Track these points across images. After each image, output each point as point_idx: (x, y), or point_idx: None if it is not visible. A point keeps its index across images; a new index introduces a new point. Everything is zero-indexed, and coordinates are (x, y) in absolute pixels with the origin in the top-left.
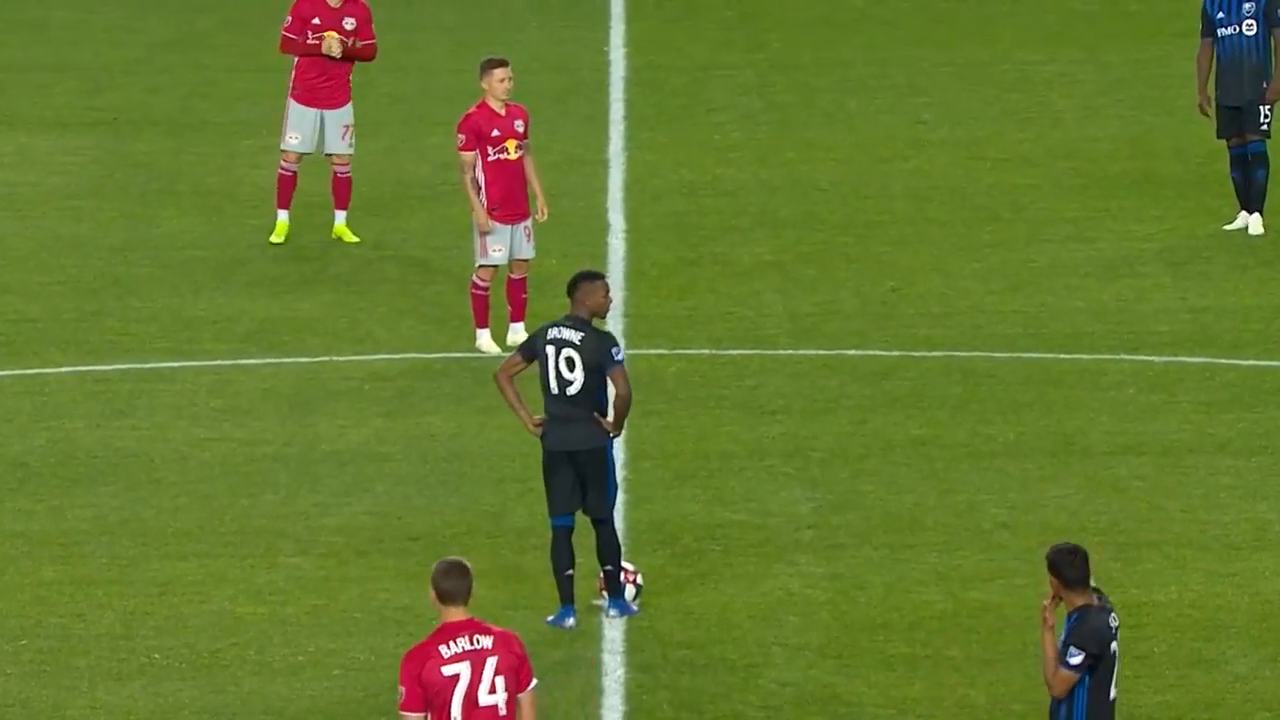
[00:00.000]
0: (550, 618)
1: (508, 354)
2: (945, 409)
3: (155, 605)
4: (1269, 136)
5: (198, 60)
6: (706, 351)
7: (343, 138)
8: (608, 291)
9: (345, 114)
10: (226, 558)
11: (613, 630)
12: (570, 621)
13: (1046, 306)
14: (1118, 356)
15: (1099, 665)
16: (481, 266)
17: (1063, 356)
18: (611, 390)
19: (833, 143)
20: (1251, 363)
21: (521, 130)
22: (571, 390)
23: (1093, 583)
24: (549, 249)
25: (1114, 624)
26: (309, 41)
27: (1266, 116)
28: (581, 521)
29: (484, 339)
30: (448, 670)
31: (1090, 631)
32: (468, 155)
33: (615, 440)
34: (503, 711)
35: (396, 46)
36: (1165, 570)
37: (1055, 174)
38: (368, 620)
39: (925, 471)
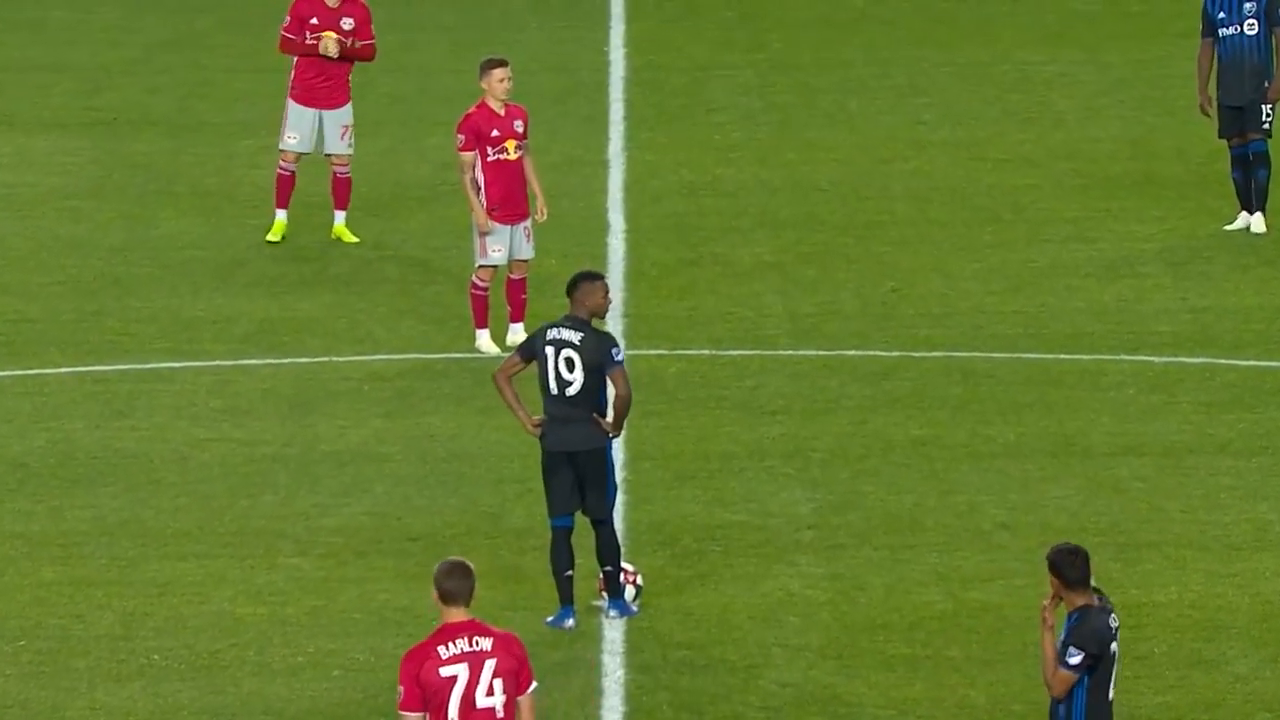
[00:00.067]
0: (550, 619)
1: (507, 354)
2: (945, 409)
3: (155, 606)
4: (1270, 136)
5: (196, 60)
6: (706, 352)
7: (342, 138)
8: (607, 292)
9: (344, 114)
10: (226, 558)
11: (612, 631)
12: (570, 622)
13: (1047, 307)
14: (1118, 357)
15: (1098, 665)
16: (481, 267)
17: (1063, 357)
18: (611, 391)
19: (833, 143)
20: (1252, 363)
21: (521, 130)
22: (571, 391)
23: (1093, 583)
24: (549, 249)
25: (1114, 624)
26: (307, 42)
27: (1268, 116)
28: (581, 522)
29: (483, 339)
30: (445, 671)
31: (1090, 632)
32: (467, 155)
33: (615, 441)
34: (500, 714)
35: (396, 46)
36: (1165, 571)
37: (1056, 174)
38: (367, 621)
39: (925, 472)
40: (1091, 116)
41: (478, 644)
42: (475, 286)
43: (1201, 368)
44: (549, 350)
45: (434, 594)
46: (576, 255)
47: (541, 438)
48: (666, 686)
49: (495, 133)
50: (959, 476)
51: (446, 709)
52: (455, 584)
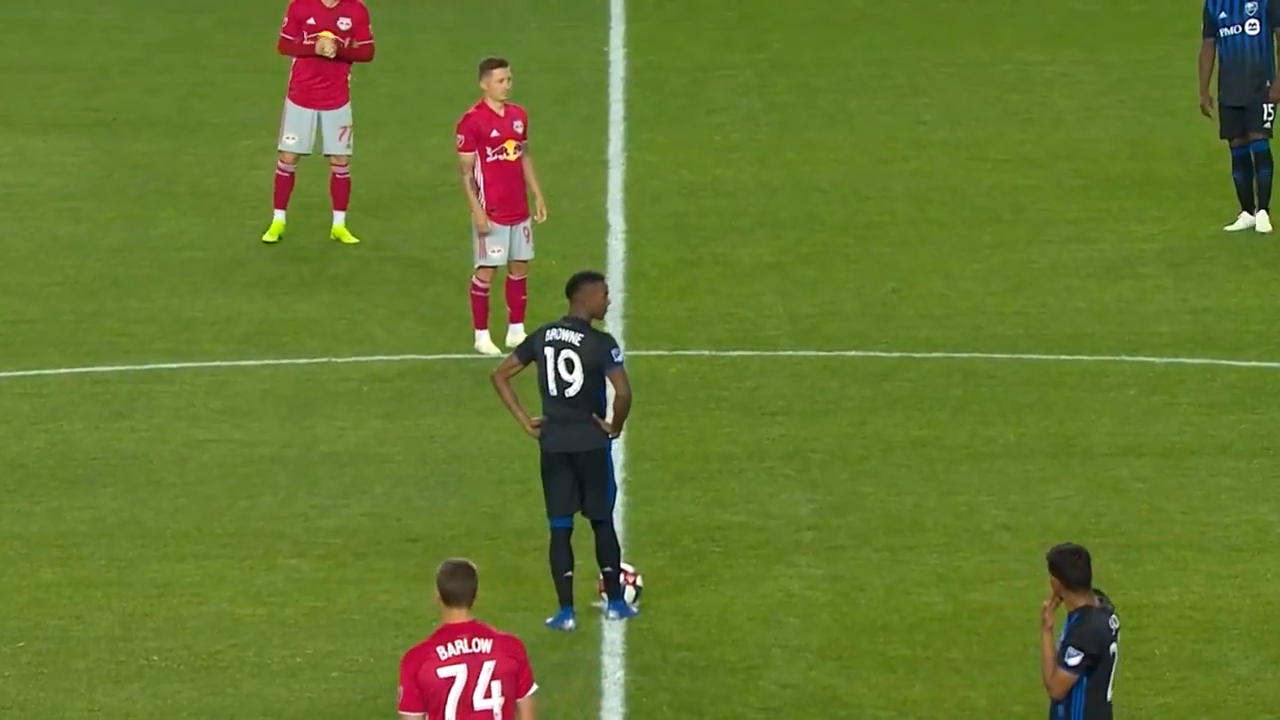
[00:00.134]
0: (549, 620)
1: (506, 355)
2: (946, 410)
3: (154, 607)
4: (1271, 135)
5: (196, 61)
6: (706, 353)
7: (340, 139)
8: (607, 293)
9: (342, 115)
10: (225, 559)
11: (612, 632)
12: (569, 623)
13: (1047, 308)
14: (1119, 358)
15: (1097, 666)
16: (481, 267)
17: (1064, 358)
18: (610, 391)
19: (833, 143)
20: (1253, 364)
21: (520, 131)
22: (570, 392)
23: (1093, 584)
24: (548, 250)
25: (1114, 626)
26: (305, 42)
27: (1269, 115)
28: (581, 523)
29: (483, 340)
30: (444, 672)
31: (1090, 632)
32: (467, 156)
33: (614, 441)
34: (498, 716)
35: (395, 47)
36: (1166, 572)
37: (1056, 175)
38: (366, 622)
39: (926, 473)
40: (1092, 117)
41: (477, 645)
42: (475, 287)
43: (1202, 369)
44: (548, 351)
45: (435, 594)
46: (576, 256)
47: (541, 439)
48: (666, 688)
49: (495, 133)
50: (959, 477)
51: (444, 710)
52: (457, 585)
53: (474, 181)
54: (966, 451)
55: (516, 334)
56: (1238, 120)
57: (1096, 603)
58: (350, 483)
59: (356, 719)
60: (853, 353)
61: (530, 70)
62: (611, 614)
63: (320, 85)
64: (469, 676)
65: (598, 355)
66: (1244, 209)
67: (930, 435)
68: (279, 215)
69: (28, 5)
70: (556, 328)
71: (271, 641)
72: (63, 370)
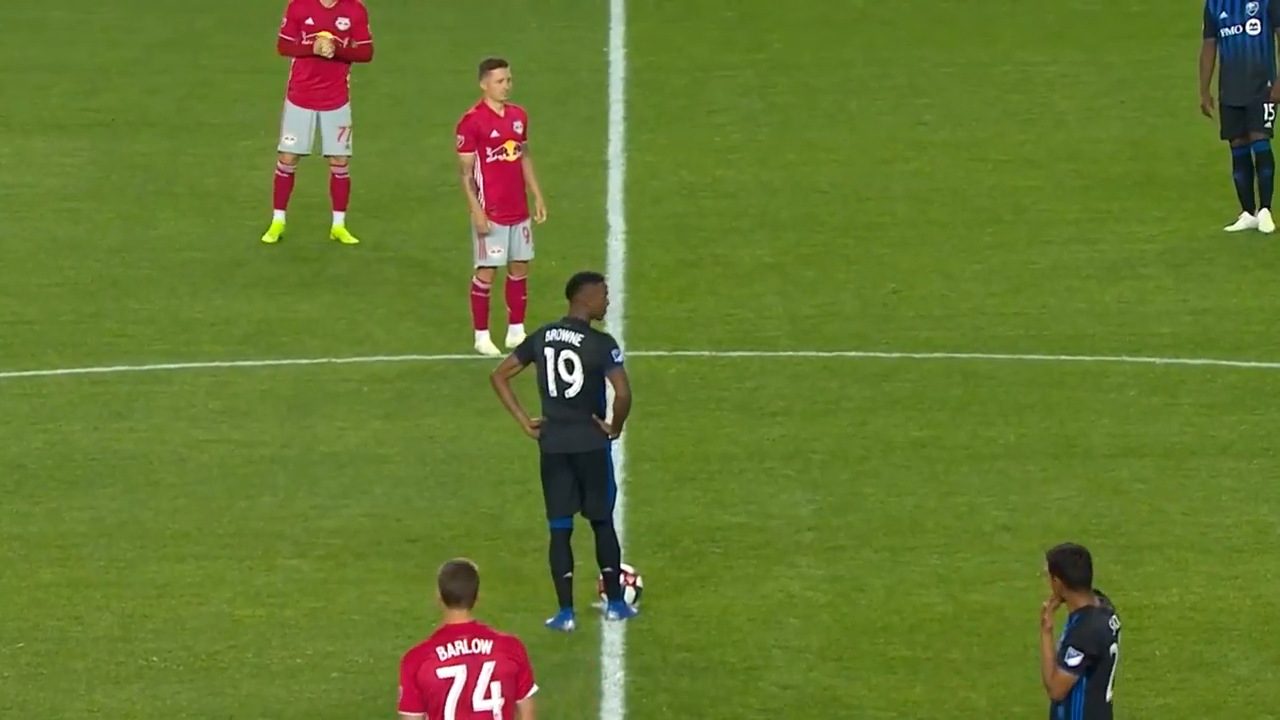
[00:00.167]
0: (549, 620)
1: (506, 356)
2: (946, 411)
3: (153, 607)
4: (1272, 135)
5: (195, 61)
6: (706, 353)
7: (339, 139)
8: (607, 293)
9: (341, 115)
10: (225, 560)
11: (612, 633)
12: (569, 624)
13: (1048, 308)
14: (1119, 358)
15: (1097, 667)
16: (481, 268)
17: (1064, 358)
18: (610, 392)
19: (833, 144)
20: (1253, 364)
21: (520, 131)
22: (570, 392)
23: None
24: (548, 250)
25: (1115, 626)
26: (303, 42)
27: (1270, 115)
28: (581, 523)
29: (483, 341)
30: (443, 672)
31: (1090, 633)
32: (467, 156)
33: (614, 442)
34: (498, 717)
35: (395, 47)
36: (1166, 573)
37: (1057, 175)
38: (366, 623)
39: (926, 474)
40: (1092, 117)
41: (477, 646)
42: (476, 288)
43: (1203, 369)
44: (548, 352)
45: (437, 595)
46: (576, 256)
47: (540, 439)
48: (666, 688)
49: (495, 133)
50: (960, 478)
51: (443, 710)
52: (458, 586)
53: (474, 182)
54: (967, 452)
55: (516, 334)
56: (1239, 120)
57: (1097, 603)
58: (350, 483)
59: None
60: (853, 353)
61: (530, 70)
62: (611, 615)
63: (319, 86)
64: (468, 677)
65: (598, 356)
66: (1245, 209)
67: (930, 436)
68: (279, 216)
69: (27, 5)
70: (556, 328)
71: (271, 642)
72: (62, 371)
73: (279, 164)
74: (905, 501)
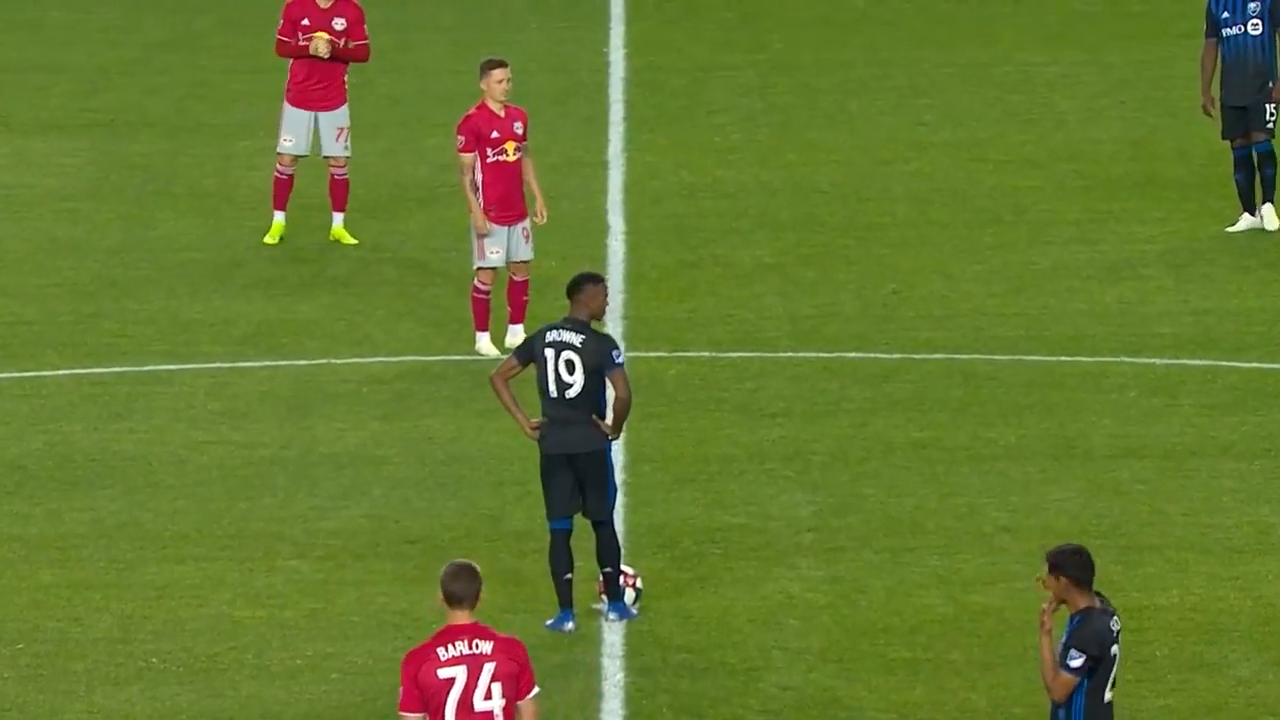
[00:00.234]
0: (549, 622)
1: (506, 357)
2: (946, 412)
3: (153, 609)
4: (1274, 135)
5: (194, 61)
6: (706, 354)
7: (338, 140)
8: (607, 294)
9: (339, 116)
10: (224, 561)
11: (612, 634)
12: (569, 625)
13: (1048, 309)
14: (1120, 359)
15: (1098, 668)
16: (481, 269)
17: (1065, 359)
18: (610, 393)
19: (834, 144)
20: (1254, 365)
21: (521, 132)
22: (571, 393)
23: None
24: (548, 251)
25: (1115, 628)
26: (300, 43)
27: (1272, 116)
28: (580, 524)
29: (483, 342)
30: (443, 673)
31: (1091, 634)
32: (467, 157)
33: (614, 443)
34: (499, 718)
35: (394, 47)
36: (1167, 574)
37: (1057, 176)
38: (366, 624)
39: (926, 474)
40: (1093, 118)
41: (477, 647)
42: (477, 290)
43: (1203, 370)
44: (549, 352)
45: (439, 595)
46: (576, 257)
47: (540, 440)
48: (666, 690)
49: (495, 134)
50: (960, 479)
51: (444, 711)
52: (460, 587)
53: (474, 183)
54: (967, 453)
55: (516, 335)
56: (1240, 120)
57: (1098, 604)
58: (349, 484)
59: None
60: (853, 354)
61: (530, 71)
62: (611, 616)
63: (317, 87)
64: (469, 678)
65: (599, 356)
66: (1245, 210)
67: (931, 437)
68: (279, 217)
69: (26, 5)
70: (557, 329)
71: (271, 643)
72: (61, 372)
73: (278, 165)
74: (905, 502)
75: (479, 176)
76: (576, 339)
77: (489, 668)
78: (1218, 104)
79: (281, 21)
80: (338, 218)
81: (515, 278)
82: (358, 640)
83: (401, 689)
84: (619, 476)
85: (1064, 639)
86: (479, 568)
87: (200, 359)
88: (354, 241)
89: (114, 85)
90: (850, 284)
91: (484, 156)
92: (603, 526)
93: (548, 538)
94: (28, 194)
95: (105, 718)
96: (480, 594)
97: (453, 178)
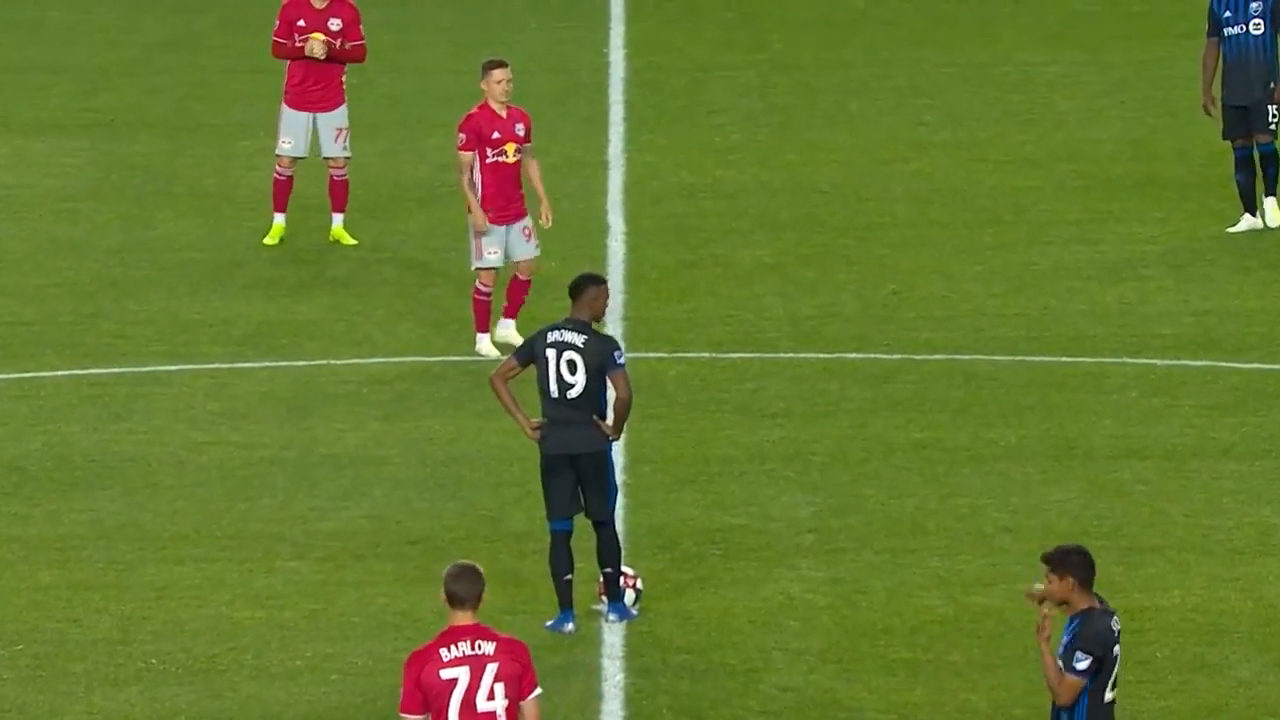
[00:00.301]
0: (549, 623)
1: (505, 357)
2: (947, 412)
3: (152, 610)
4: (1276, 136)
5: (194, 61)
6: (706, 355)
7: (336, 140)
8: (608, 295)
9: (338, 117)
10: (224, 562)
11: (612, 635)
12: (569, 626)
13: (1049, 309)
14: (1120, 360)
15: (1100, 668)
16: (482, 271)
17: (1065, 359)
18: (611, 393)
19: (834, 144)
20: (1255, 366)
21: (522, 134)
22: (572, 394)
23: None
24: (548, 251)
25: (1116, 627)
26: (296, 44)
27: (1274, 116)
28: (580, 525)
29: (484, 343)
30: (446, 674)
31: (1095, 635)
32: (466, 155)
33: (614, 444)
34: (502, 718)
35: (394, 47)
36: (1168, 575)
37: (1058, 176)
38: (365, 625)
39: (926, 475)
40: (1093, 118)
41: (480, 648)
42: (478, 292)
43: (1204, 370)
44: (550, 353)
45: (442, 596)
46: (576, 257)
47: (541, 440)
48: (666, 691)
49: (496, 134)
50: (960, 480)
51: (447, 712)
52: (463, 588)
53: (472, 182)
54: (968, 454)
55: (506, 328)
56: (1242, 120)
57: (1098, 604)
58: (349, 485)
59: None
60: (853, 355)
61: (530, 71)
62: (611, 617)
63: (314, 88)
64: (471, 678)
65: (600, 357)
66: (1246, 210)
67: (931, 437)
68: (279, 219)
69: (26, 5)
70: (558, 329)
71: (270, 644)
72: (60, 372)
73: (277, 167)
74: (906, 503)
75: (477, 176)
76: (579, 339)
77: (492, 668)
78: (1219, 104)
79: (277, 23)
80: (337, 218)
81: (520, 276)
82: (357, 641)
83: (402, 690)
84: (619, 477)
85: (1065, 641)
86: (481, 569)
87: (200, 359)
88: (354, 242)
89: (114, 85)
90: (850, 284)
91: (483, 156)
92: (603, 527)
93: (548, 539)
94: (27, 194)
95: (104, 719)
96: (483, 595)
97: (453, 178)
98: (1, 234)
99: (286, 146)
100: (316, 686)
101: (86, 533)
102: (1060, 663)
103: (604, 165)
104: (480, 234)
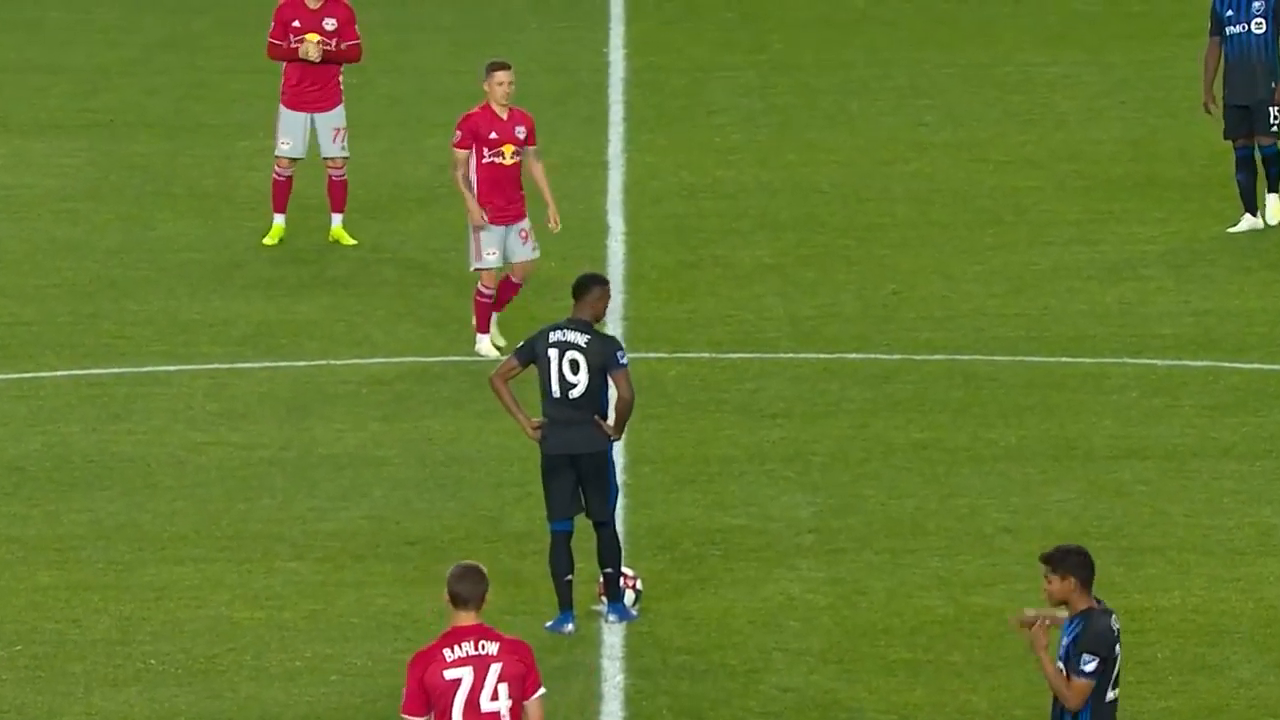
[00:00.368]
0: (549, 623)
1: (505, 357)
2: (947, 413)
3: (151, 610)
4: (1277, 136)
5: (193, 62)
6: (706, 355)
7: (334, 140)
8: (610, 296)
9: (335, 117)
10: (223, 562)
11: (612, 636)
12: (569, 627)
13: (1049, 309)
14: (1121, 360)
15: (1105, 668)
16: (482, 271)
17: (1065, 360)
18: (612, 393)
19: (834, 145)
20: (1255, 366)
21: (523, 136)
22: (574, 393)
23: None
24: (548, 252)
25: (1116, 626)
26: (291, 46)
27: (1276, 118)
28: (580, 525)
29: (484, 343)
30: (449, 674)
31: (1098, 635)
32: (460, 152)
33: (615, 444)
34: (505, 718)
35: (393, 47)
36: (1168, 575)
37: (1058, 176)
38: (365, 625)
39: (927, 476)
40: (1093, 118)
41: (484, 648)
42: (480, 294)
43: (1205, 371)
44: (552, 353)
45: (445, 596)
46: (576, 258)
47: (542, 441)
48: (666, 691)
49: (494, 135)
50: (960, 480)
51: (451, 712)
52: (467, 588)
53: (466, 178)
54: (968, 454)
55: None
56: (1243, 120)
57: (1097, 604)
58: (349, 485)
59: None
60: (853, 355)
61: (530, 71)
62: (611, 617)
63: (311, 89)
64: (475, 678)
65: (604, 357)
66: (1247, 210)
67: (931, 438)
68: (278, 219)
69: (25, 6)
70: (560, 329)
71: (269, 645)
72: (60, 372)
73: (276, 168)
74: (906, 504)
75: (472, 175)
76: (581, 339)
77: (495, 668)
78: (1220, 103)
79: (272, 24)
80: (337, 218)
81: (512, 278)
82: (357, 642)
83: (406, 691)
84: (619, 478)
85: (1066, 643)
86: (485, 569)
87: (199, 360)
88: (353, 242)
89: (114, 85)
90: (850, 284)
91: (480, 156)
92: (604, 527)
93: (548, 539)
94: (27, 194)
95: (103, 719)
96: (486, 596)
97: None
98: (1, 234)
99: (285, 147)
100: (316, 687)
101: (85, 533)
102: (1062, 665)
103: (604, 165)
104: (478, 229)
